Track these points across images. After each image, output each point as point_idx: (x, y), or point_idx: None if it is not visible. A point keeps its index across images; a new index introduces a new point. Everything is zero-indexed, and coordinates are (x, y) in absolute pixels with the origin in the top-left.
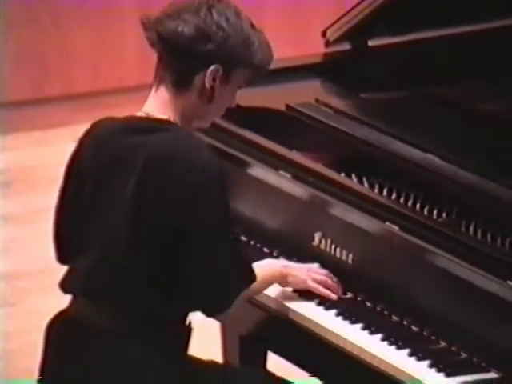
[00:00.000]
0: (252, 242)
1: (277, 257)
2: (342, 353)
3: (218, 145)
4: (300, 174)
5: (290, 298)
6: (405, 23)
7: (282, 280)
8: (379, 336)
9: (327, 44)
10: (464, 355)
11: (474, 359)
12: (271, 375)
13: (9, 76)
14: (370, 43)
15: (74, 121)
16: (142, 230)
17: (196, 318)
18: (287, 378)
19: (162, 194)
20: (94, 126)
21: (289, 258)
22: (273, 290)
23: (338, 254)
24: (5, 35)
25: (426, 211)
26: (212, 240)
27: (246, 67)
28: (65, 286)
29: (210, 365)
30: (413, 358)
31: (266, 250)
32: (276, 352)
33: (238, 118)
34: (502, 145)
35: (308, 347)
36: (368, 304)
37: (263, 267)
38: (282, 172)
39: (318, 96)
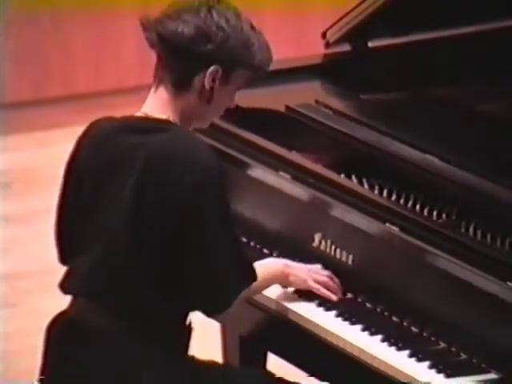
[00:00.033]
0: (252, 243)
1: (277, 258)
2: (342, 354)
3: (218, 146)
4: (300, 175)
5: (290, 299)
6: (405, 24)
7: (283, 279)
8: (379, 337)
9: (327, 45)
10: (464, 356)
11: (474, 360)
12: (271, 375)
13: (9, 77)
14: (369, 44)
15: (75, 121)
16: (142, 230)
17: (196, 318)
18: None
19: (161, 194)
20: (93, 126)
21: (289, 259)
22: (273, 291)
23: (338, 255)
24: (5, 36)
25: (425, 212)
26: (212, 240)
27: (245, 68)
28: (64, 286)
29: (210, 365)
30: (413, 359)
31: (265, 251)
32: (276, 353)
33: (238, 119)
34: (502, 145)
35: (308, 348)
36: (368, 305)
37: (264, 266)
38: (281, 173)
39: (318, 97)
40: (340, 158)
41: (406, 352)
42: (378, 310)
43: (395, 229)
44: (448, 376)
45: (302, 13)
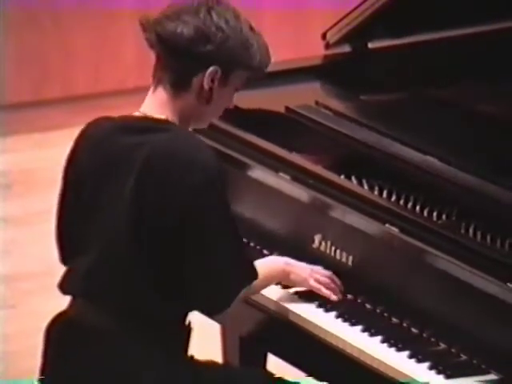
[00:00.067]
0: (252, 244)
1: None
2: (342, 355)
3: (219, 147)
4: (300, 176)
5: (290, 300)
6: (404, 25)
7: (284, 277)
8: (379, 338)
9: (327, 46)
10: (464, 357)
11: (474, 361)
12: (271, 375)
13: (9, 78)
14: (369, 45)
15: (74, 123)
16: (142, 230)
17: (196, 319)
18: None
19: (162, 194)
20: (90, 126)
21: None
22: (273, 292)
23: (338, 256)
24: (5, 37)
25: (425, 213)
26: (212, 240)
27: (244, 69)
28: (64, 286)
29: (210, 365)
30: (413, 360)
31: (265, 251)
32: (276, 354)
33: (238, 120)
34: (502, 146)
35: (308, 349)
36: (368, 306)
37: (265, 264)
38: (281, 174)
39: (318, 98)
40: (340, 158)
41: (406, 353)
42: (378, 310)
43: (395, 230)
44: (448, 377)
45: (301, 14)
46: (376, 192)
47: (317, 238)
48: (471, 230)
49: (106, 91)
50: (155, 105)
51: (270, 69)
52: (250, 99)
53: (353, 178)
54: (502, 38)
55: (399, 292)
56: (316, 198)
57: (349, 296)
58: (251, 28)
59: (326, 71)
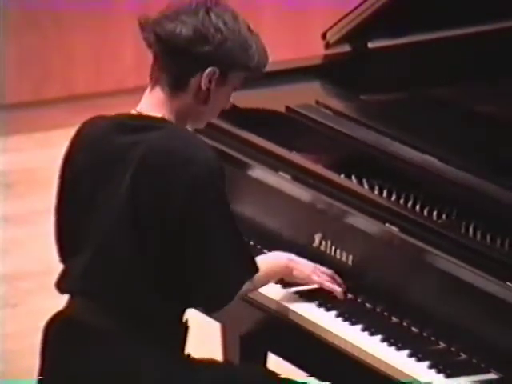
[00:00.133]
0: (252, 243)
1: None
2: (342, 354)
3: (219, 146)
4: (300, 175)
5: (290, 299)
6: (404, 25)
7: (287, 273)
8: (379, 337)
9: (327, 46)
10: (464, 356)
11: (474, 360)
12: (270, 373)
13: (10, 78)
14: (369, 45)
15: (75, 122)
16: (141, 230)
17: (196, 318)
18: None
19: (159, 192)
20: (85, 125)
21: None
22: (273, 291)
23: (338, 256)
24: (5, 37)
25: (425, 212)
26: (212, 238)
27: (242, 70)
28: (61, 286)
29: (209, 363)
30: (413, 359)
31: (265, 251)
32: (276, 353)
33: (239, 119)
34: (502, 145)
35: (308, 348)
36: (368, 305)
37: (268, 260)
38: (282, 173)
39: (318, 98)
40: (340, 158)
41: (406, 352)
42: (378, 310)
43: (395, 229)
44: (448, 376)
45: (301, 15)
46: (376, 191)
47: (317, 237)
48: (471, 230)
49: (107, 91)
50: (152, 104)
51: (270, 68)
52: (250, 99)
53: (353, 178)
54: (501, 38)
55: (399, 291)
56: (316, 198)
57: (349, 295)
58: (249, 29)
59: (326, 71)
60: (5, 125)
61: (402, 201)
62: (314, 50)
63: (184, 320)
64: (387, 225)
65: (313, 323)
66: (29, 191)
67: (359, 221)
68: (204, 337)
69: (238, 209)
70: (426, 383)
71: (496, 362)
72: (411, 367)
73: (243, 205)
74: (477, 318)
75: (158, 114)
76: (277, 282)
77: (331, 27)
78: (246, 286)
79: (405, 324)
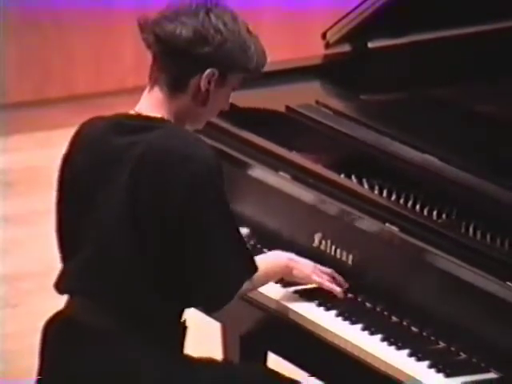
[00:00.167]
0: (252, 243)
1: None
2: (342, 353)
3: (219, 146)
4: (300, 175)
5: (290, 299)
6: (404, 25)
7: (287, 273)
8: (379, 336)
9: (327, 46)
10: (464, 355)
11: (474, 359)
12: (270, 371)
13: (11, 78)
14: (369, 45)
15: (75, 122)
16: (140, 230)
17: (195, 318)
18: None
19: (157, 191)
20: (84, 126)
21: None
22: (273, 291)
23: (338, 255)
24: (6, 37)
25: (425, 212)
26: (212, 238)
27: (241, 71)
28: (59, 286)
29: (209, 362)
30: (412, 359)
31: (265, 251)
32: (276, 352)
33: (239, 119)
34: (502, 145)
35: (308, 348)
36: (368, 304)
37: (268, 259)
38: (282, 173)
39: (319, 97)
40: (340, 158)
41: (406, 351)
42: (378, 309)
43: (395, 229)
44: (447, 375)
45: (300, 15)
46: (376, 191)
47: (317, 236)
48: (471, 229)
49: (107, 91)
50: (151, 104)
51: (270, 68)
52: (250, 98)
53: (353, 177)
54: (502, 38)
55: (399, 291)
56: (316, 198)
57: (349, 295)
58: (248, 30)
59: (326, 71)
60: (5, 124)
61: (401, 200)
62: (313, 50)
63: (182, 320)
64: (387, 224)
65: (313, 322)
66: (29, 191)
67: (359, 220)
68: (203, 336)
69: (237, 209)
70: (425, 383)
71: (496, 362)
72: (411, 367)
73: (243, 204)
74: (477, 317)
75: (157, 115)
76: (277, 282)
77: (331, 27)
78: (246, 285)
79: (405, 323)
